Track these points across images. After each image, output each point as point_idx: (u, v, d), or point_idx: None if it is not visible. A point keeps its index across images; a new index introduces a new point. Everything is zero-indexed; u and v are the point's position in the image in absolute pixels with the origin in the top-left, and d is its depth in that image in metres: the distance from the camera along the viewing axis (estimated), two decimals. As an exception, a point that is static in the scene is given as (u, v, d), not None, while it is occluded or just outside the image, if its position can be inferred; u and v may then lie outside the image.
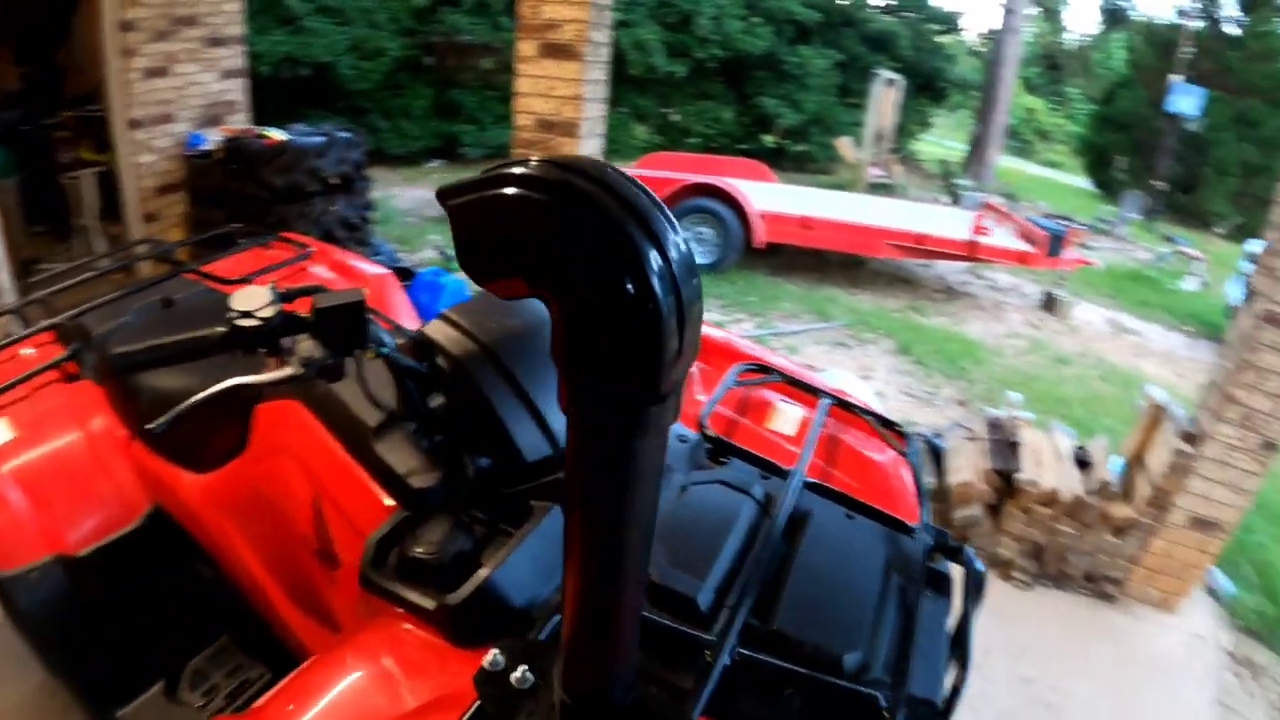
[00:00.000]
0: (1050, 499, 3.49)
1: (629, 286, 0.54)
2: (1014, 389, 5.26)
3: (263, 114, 5.64)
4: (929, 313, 6.63)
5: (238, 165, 4.79)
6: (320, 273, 2.39)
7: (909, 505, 1.59)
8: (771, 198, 7.67)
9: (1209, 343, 8.37)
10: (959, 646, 1.16)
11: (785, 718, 1.00)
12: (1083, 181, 20.13)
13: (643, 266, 0.54)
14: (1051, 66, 29.94)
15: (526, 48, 3.66)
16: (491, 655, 0.89)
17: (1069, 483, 3.51)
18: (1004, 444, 3.87)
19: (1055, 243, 7.14)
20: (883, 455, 1.77)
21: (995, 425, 4.03)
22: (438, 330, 1.24)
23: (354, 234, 5.46)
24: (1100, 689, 3.07)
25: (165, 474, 1.71)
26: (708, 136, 13.70)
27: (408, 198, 9.16)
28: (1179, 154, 15.86)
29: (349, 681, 1.05)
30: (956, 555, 1.35)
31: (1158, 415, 3.55)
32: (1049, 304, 7.58)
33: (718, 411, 1.62)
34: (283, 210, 4.87)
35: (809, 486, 1.40)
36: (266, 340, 1.09)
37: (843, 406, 1.78)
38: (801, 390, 1.84)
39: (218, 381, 1.15)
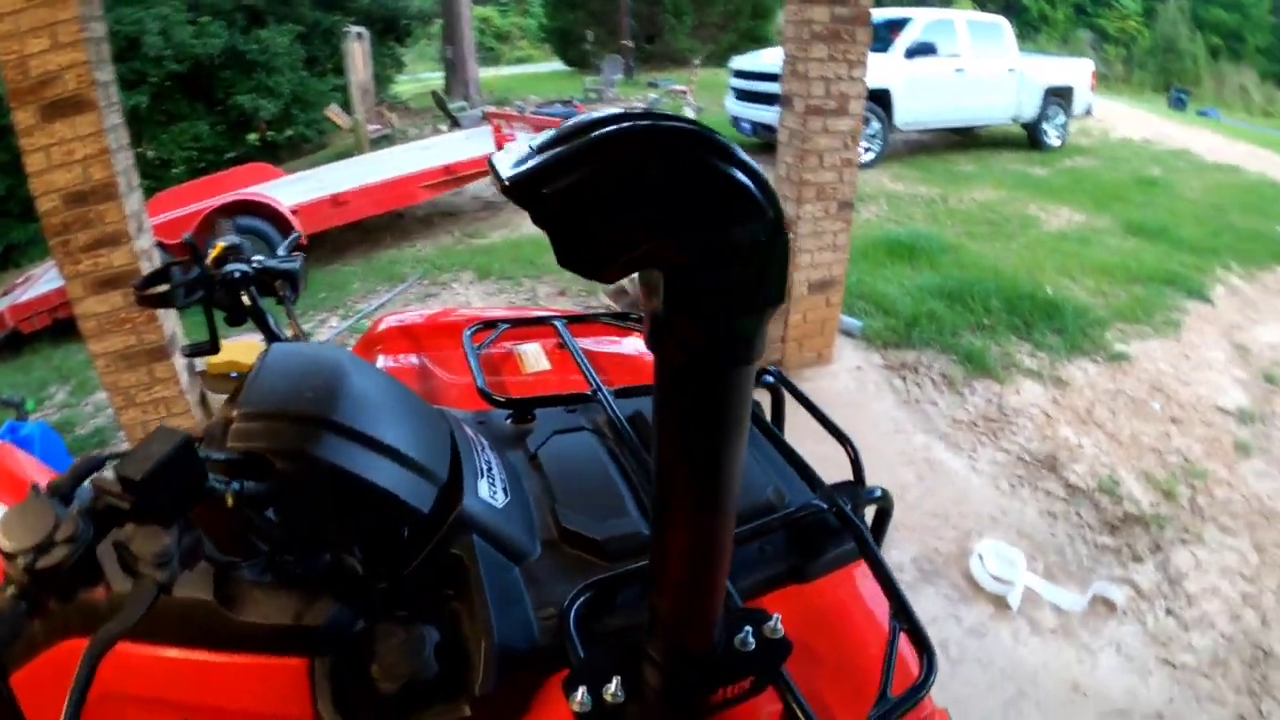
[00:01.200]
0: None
1: (758, 194, 0.58)
2: None
3: None
4: (486, 233, 7.25)
5: None
6: None
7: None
8: (293, 191, 7.61)
9: None
10: (830, 429, 1.41)
11: (771, 564, 1.20)
12: (557, 65, 22.43)
13: (759, 175, 0.59)
14: (495, -28, 32.89)
15: (25, 116, 3.25)
16: (579, 696, 0.90)
17: None
18: (635, 304, 4.64)
19: None
20: (635, 343, 2.02)
21: (621, 292, 4.76)
22: (249, 434, 0.98)
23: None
24: (812, 436, 4.13)
25: None
26: (192, 159, 12.88)
27: (-102, 361, 7.34)
28: (635, 12, 18.60)
29: None
30: (758, 377, 1.66)
31: None
32: None
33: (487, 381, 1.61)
34: None
35: (619, 394, 1.51)
36: (87, 565, 0.80)
37: (574, 320, 1.94)
38: (530, 326, 1.94)
39: None
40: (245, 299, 1.68)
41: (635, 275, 0.63)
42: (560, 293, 5.69)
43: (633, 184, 0.56)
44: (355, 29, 12.61)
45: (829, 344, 4.75)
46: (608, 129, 0.56)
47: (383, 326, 2.04)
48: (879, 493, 1.30)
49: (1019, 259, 6.84)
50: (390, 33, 16.52)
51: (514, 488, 1.25)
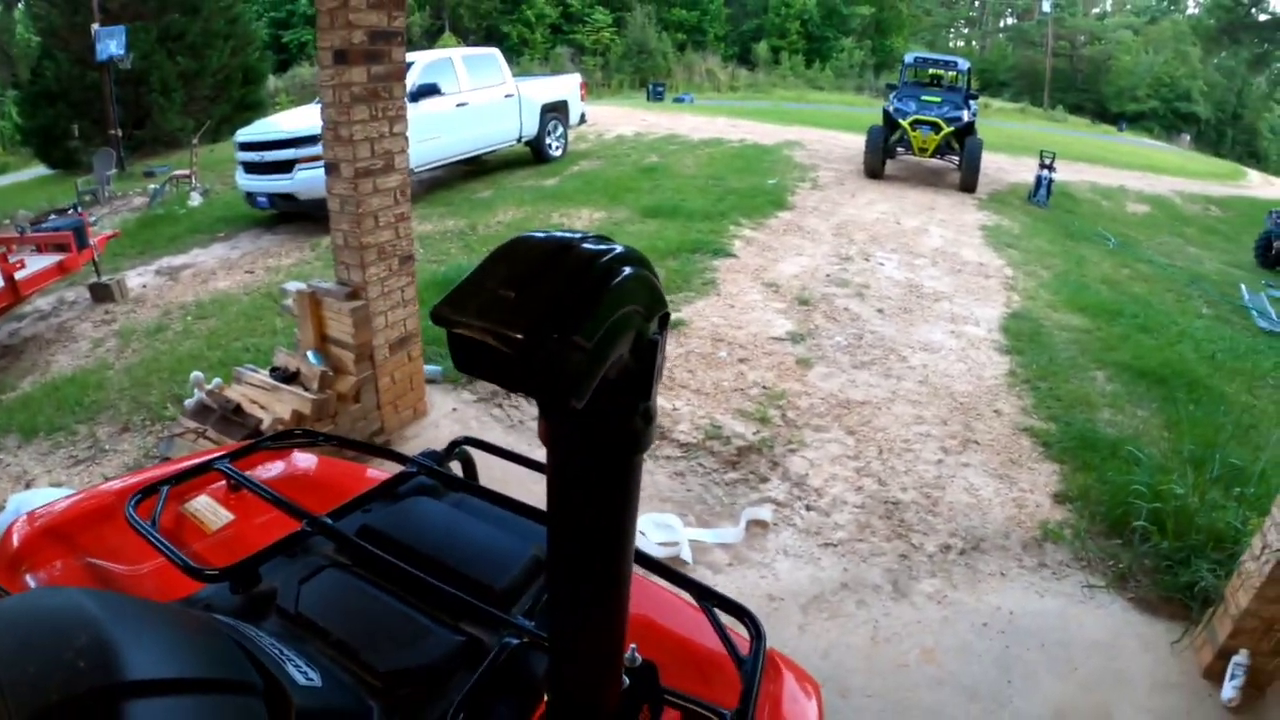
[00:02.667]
0: (299, 420, 4.27)
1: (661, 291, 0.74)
2: (138, 380, 5.73)
3: None
4: (14, 383, 6.26)
5: None
6: None
7: (349, 466, 2.11)
8: None
9: (246, 234, 10.04)
10: (535, 467, 1.63)
11: None
12: (41, 169, 19.67)
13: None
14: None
15: None
16: None
17: (296, 399, 4.31)
18: (225, 415, 4.36)
19: (79, 235, 7.48)
20: (292, 456, 2.11)
21: (203, 409, 4.43)
22: None
23: None
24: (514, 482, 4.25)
25: None
26: None
27: None
28: (121, 96, 16.85)
29: None
30: (452, 451, 1.85)
31: (313, 299, 4.48)
32: (101, 294, 7.79)
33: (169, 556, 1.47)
34: None
35: (333, 516, 1.56)
36: None
37: (235, 456, 1.85)
38: (194, 478, 1.80)
39: None
40: None
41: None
42: (123, 429, 5.14)
43: (624, 302, 0.68)
44: None
45: (421, 397, 4.86)
46: (580, 255, 0.69)
47: (17, 536, 1.72)
48: None
49: (559, 265, 7.44)
50: None
51: (308, 657, 1.19)
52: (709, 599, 1.37)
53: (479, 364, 0.69)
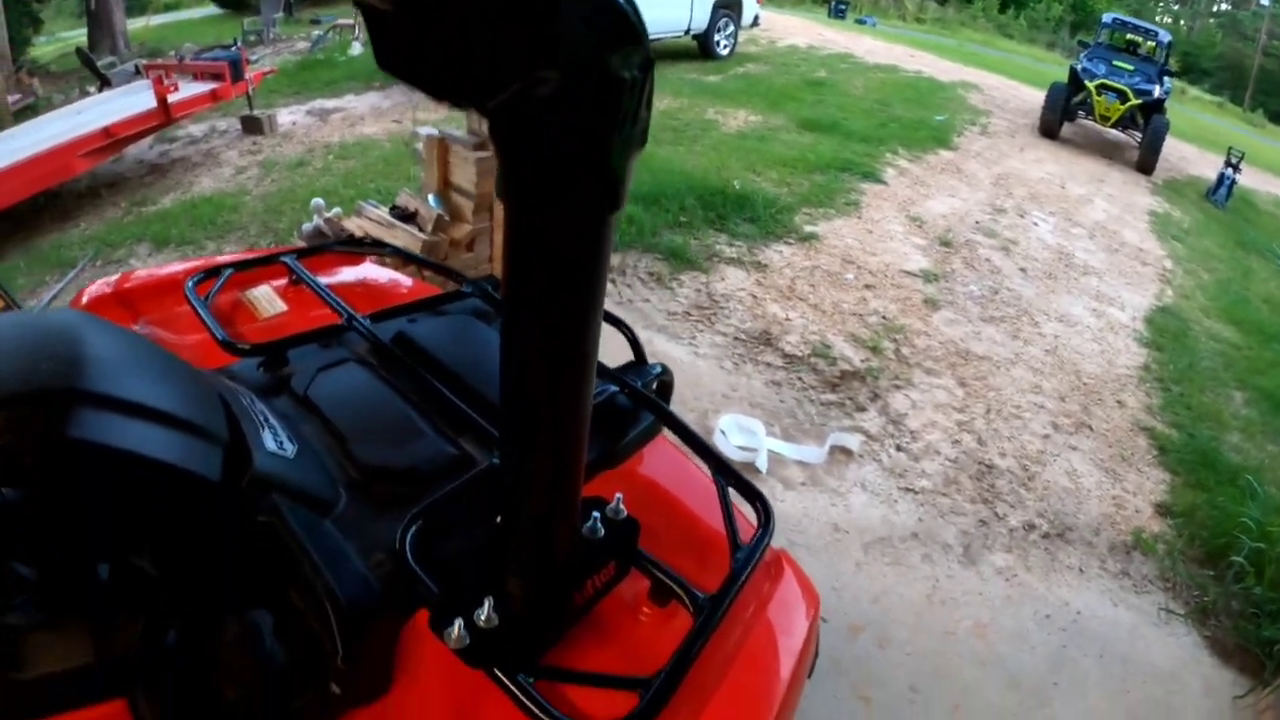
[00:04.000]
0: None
1: (636, 24, 0.58)
2: (271, 207, 5.90)
3: None
4: (156, 198, 6.59)
5: None
6: None
7: (419, 285, 2.08)
8: None
9: (401, 86, 10.10)
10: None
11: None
12: (211, 9, 20.73)
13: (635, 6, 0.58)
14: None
15: None
16: (455, 632, 0.89)
17: (408, 237, 4.29)
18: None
19: (235, 67, 7.82)
20: (361, 267, 2.13)
21: (318, 235, 4.48)
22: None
23: None
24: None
25: None
26: None
27: None
28: None
29: None
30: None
31: (442, 144, 4.44)
32: (251, 126, 8.13)
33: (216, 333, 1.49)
34: None
35: (375, 319, 1.55)
36: None
37: (304, 254, 1.89)
38: (257, 268, 1.86)
39: None
40: None
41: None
42: (248, 250, 5.30)
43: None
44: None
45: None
46: None
47: (87, 297, 1.83)
48: (660, 368, 1.41)
49: (705, 160, 7.24)
50: (17, -13, 14.44)
51: (297, 436, 1.18)
52: (725, 475, 1.25)
53: (387, 57, 0.63)
